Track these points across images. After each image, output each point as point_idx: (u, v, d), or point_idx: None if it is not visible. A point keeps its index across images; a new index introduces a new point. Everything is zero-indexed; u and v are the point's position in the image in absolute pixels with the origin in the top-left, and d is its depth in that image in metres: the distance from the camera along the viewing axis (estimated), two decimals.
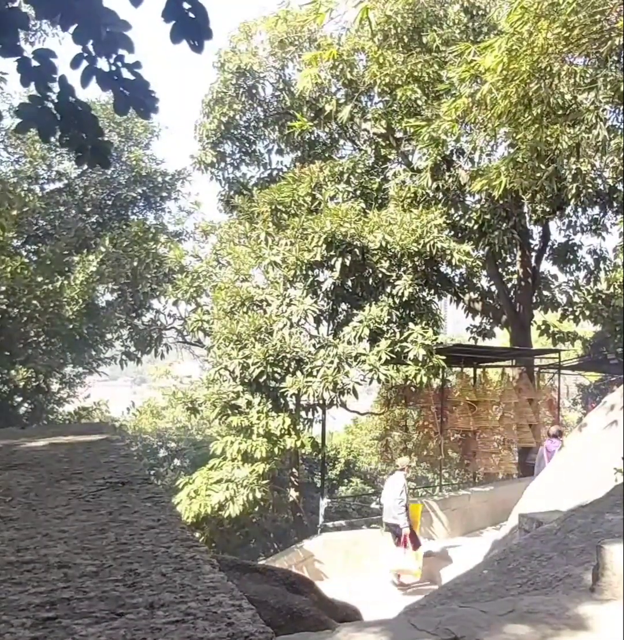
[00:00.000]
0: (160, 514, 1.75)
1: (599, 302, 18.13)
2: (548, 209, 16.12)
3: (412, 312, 13.68)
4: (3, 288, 13.70)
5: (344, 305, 14.62)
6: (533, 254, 18.36)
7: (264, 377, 12.84)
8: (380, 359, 12.49)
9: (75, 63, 3.39)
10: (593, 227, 17.65)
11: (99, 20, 3.26)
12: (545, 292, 18.92)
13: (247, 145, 18.74)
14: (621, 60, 8.21)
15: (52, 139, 3.75)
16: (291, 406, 13.87)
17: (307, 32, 16.10)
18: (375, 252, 13.24)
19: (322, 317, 14.21)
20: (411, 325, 12.97)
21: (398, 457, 13.15)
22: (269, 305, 13.58)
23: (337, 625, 3.44)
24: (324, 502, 15.21)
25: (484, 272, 17.78)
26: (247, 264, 14.30)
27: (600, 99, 9.25)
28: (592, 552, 3.63)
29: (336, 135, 17.84)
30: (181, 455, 22.19)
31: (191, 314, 16.03)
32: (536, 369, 18.34)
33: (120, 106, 3.58)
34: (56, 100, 3.53)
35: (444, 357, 13.13)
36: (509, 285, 18.38)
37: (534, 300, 18.47)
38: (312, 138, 17.70)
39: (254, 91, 17.78)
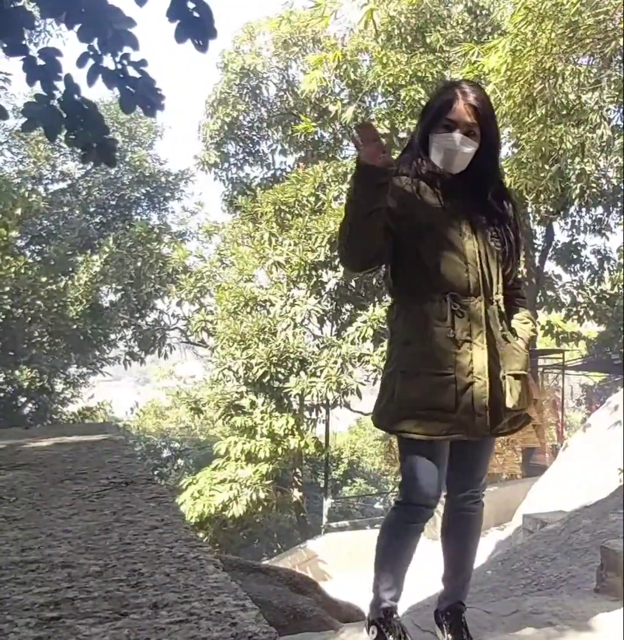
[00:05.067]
0: (164, 514, 1.75)
1: (604, 302, 18.08)
2: (551, 209, 16.07)
3: None
4: (7, 288, 13.72)
5: (347, 306, 14.62)
6: (537, 254, 18.33)
7: (268, 377, 12.85)
8: (384, 359, 12.49)
9: (81, 61, 3.40)
10: (597, 227, 17.61)
11: (104, 18, 3.26)
12: (549, 292, 18.87)
13: (250, 145, 18.76)
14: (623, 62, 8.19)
15: (58, 137, 3.76)
16: (295, 406, 13.88)
17: (310, 32, 16.09)
18: None
19: (326, 318, 14.22)
20: None
21: None
22: (272, 305, 13.58)
23: (341, 626, 3.44)
24: (327, 503, 15.23)
25: None
26: (251, 264, 14.31)
27: (604, 99, 9.23)
28: (596, 553, 3.62)
29: (340, 136, 17.82)
30: (185, 455, 22.21)
31: (195, 314, 16.03)
32: (540, 369, 18.31)
33: (126, 104, 3.59)
34: (62, 99, 3.54)
35: None
36: None
37: (538, 300, 18.42)
38: (316, 138, 17.69)
39: (257, 92, 17.80)
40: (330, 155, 17.11)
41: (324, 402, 13.95)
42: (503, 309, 2.22)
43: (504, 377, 2.17)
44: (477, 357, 2.12)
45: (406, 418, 2.15)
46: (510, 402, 2.16)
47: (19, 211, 14.36)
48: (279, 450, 13.18)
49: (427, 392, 2.11)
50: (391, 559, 2.36)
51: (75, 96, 3.57)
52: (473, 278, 2.14)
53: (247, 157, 18.86)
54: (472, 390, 2.11)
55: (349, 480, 22.73)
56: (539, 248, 18.42)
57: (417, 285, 2.19)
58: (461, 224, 2.17)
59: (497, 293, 2.20)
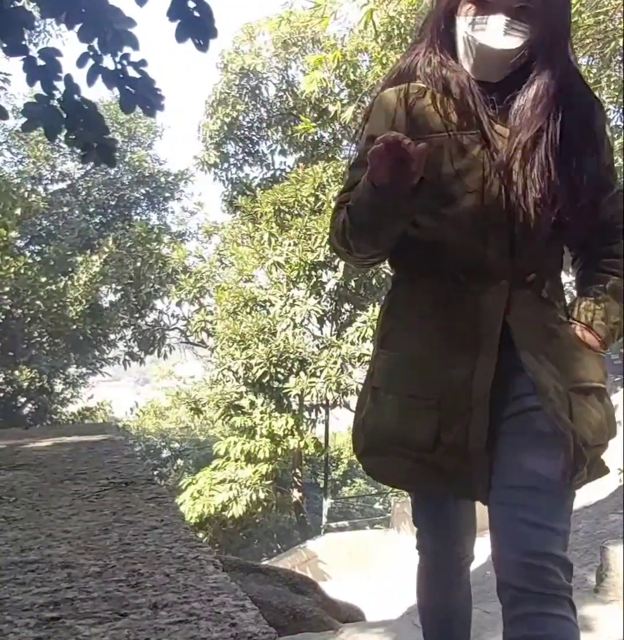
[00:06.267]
0: (163, 515, 1.74)
1: None
2: None
3: None
4: (7, 288, 13.71)
5: (347, 306, 14.61)
6: None
7: (268, 377, 12.85)
8: None
9: (81, 62, 3.40)
10: None
11: (104, 18, 3.26)
12: None
13: (250, 145, 18.74)
14: (623, 62, 8.19)
15: (58, 138, 3.77)
16: (294, 407, 13.88)
17: (310, 33, 16.08)
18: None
19: (325, 318, 14.21)
20: None
21: None
22: (272, 305, 13.58)
23: (341, 626, 3.44)
24: (327, 503, 15.22)
25: None
26: (251, 265, 14.30)
27: (604, 99, 9.24)
28: (596, 553, 3.62)
29: (339, 136, 17.81)
30: (184, 455, 22.18)
31: (194, 314, 16.03)
32: None
33: (126, 104, 3.59)
34: (62, 99, 3.54)
35: None
36: None
37: None
38: (315, 139, 17.67)
39: (257, 92, 17.80)
40: (330, 156, 17.09)
41: (324, 402, 13.95)
42: (546, 294, 1.48)
43: (567, 395, 1.38)
44: (480, 373, 1.39)
45: (371, 450, 1.53)
46: (582, 431, 1.36)
47: (18, 211, 14.35)
48: (279, 450, 13.18)
49: (396, 419, 1.45)
50: (432, 611, 1.82)
51: (75, 96, 3.57)
52: (492, 253, 1.41)
53: (247, 158, 18.85)
54: (467, 423, 1.39)
55: (348, 481, 22.70)
56: None
57: (411, 259, 1.52)
58: (485, 167, 1.39)
59: (537, 271, 1.46)
